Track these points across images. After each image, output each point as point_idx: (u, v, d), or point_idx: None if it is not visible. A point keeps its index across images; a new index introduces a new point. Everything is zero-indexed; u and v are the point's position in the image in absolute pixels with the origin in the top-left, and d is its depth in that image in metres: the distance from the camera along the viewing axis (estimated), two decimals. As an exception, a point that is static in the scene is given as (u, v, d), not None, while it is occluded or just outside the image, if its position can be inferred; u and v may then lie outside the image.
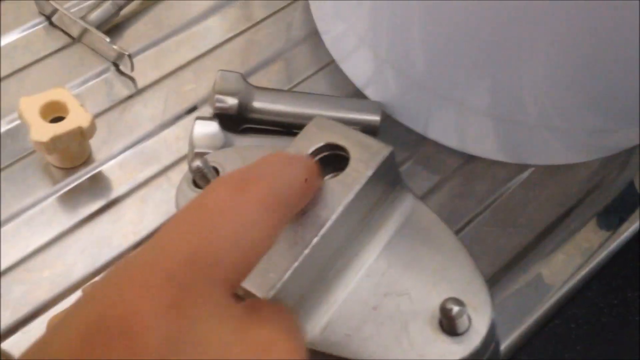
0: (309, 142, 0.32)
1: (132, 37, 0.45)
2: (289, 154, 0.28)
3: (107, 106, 0.42)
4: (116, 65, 0.44)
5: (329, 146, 0.32)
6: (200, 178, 0.33)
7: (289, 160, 0.26)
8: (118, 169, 0.39)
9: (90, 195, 0.38)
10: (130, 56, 0.42)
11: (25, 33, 0.45)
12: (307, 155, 0.30)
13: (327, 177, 0.32)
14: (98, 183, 0.39)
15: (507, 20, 0.31)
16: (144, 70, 0.44)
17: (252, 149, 0.34)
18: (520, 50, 0.32)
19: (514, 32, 0.31)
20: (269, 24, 0.46)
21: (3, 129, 0.40)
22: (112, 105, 0.42)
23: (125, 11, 0.45)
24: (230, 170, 0.33)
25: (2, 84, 0.42)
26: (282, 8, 0.47)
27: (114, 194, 0.38)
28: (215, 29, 0.46)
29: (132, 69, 0.43)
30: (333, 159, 0.32)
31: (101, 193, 0.38)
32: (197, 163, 0.33)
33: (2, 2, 0.46)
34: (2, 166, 0.39)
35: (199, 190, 0.33)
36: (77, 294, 0.34)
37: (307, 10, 0.47)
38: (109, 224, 0.37)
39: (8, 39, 0.44)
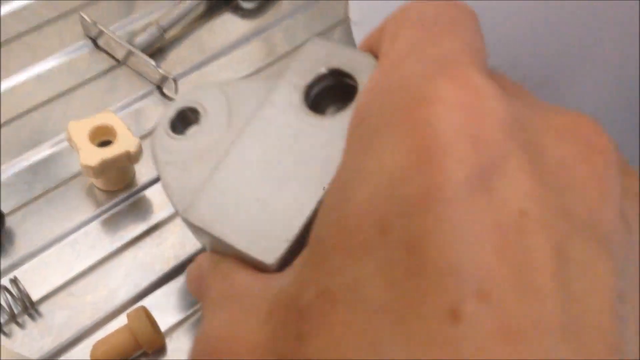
0: (305, 69, 0.24)
1: (174, 61, 0.45)
2: None
3: (149, 129, 0.42)
4: (160, 89, 0.44)
5: (333, 73, 0.24)
6: (181, 119, 0.26)
7: None
8: (160, 193, 0.39)
9: (133, 219, 0.38)
10: (175, 79, 0.42)
11: (70, 56, 0.45)
12: None
13: (328, 112, 0.24)
14: (141, 206, 0.39)
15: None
16: (187, 93, 0.44)
17: (236, 83, 0.27)
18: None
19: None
20: (311, 47, 0.46)
21: (48, 152, 0.40)
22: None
23: (168, 34, 0.46)
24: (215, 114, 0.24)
25: (47, 107, 0.42)
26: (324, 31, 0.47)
27: (156, 218, 0.38)
28: (256, 52, 0.46)
29: (177, 92, 0.43)
30: (335, 88, 0.24)
31: (143, 217, 0.38)
32: (178, 104, 0.26)
33: (48, 25, 0.46)
34: (46, 189, 0.39)
35: (179, 137, 0.26)
36: (120, 319, 0.34)
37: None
38: (152, 247, 0.37)
39: (53, 62, 0.45)
